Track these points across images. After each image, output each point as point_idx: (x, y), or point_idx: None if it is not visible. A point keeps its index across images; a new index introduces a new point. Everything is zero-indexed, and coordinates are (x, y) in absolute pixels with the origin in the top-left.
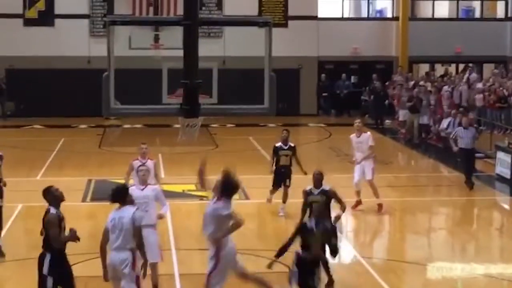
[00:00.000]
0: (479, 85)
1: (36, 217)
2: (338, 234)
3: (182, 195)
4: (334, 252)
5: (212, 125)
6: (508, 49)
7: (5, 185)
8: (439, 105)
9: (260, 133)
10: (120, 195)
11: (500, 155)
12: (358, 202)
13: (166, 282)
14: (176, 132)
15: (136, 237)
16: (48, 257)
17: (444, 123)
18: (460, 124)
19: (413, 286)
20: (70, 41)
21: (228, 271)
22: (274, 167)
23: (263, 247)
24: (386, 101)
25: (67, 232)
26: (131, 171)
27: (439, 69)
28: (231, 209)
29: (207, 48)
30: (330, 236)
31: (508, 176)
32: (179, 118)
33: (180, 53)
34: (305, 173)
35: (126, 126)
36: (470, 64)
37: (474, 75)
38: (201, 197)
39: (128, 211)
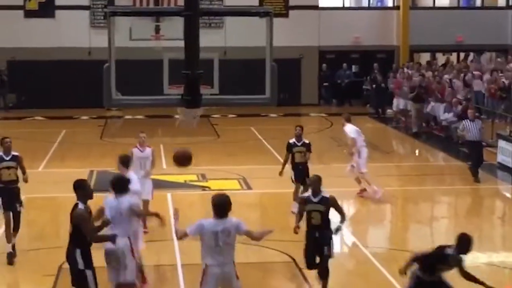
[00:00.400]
0: (477, 72)
1: (38, 208)
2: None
3: (184, 185)
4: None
5: (214, 116)
6: (509, 38)
7: (26, 181)
8: (441, 94)
9: (261, 123)
10: (122, 185)
11: (502, 143)
12: (363, 190)
13: (168, 272)
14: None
15: (140, 215)
16: (78, 252)
17: (441, 109)
18: (465, 117)
19: None
20: (71, 33)
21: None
22: (290, 165)
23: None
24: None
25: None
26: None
27: (440, 58)
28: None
29: (208, 38)
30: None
31: (510, 165)
32: (179, 109)
33: (181, 43)
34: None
35: (127, 117)
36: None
37: (485, 55)
38: (203, 188)
39: (126, 200)
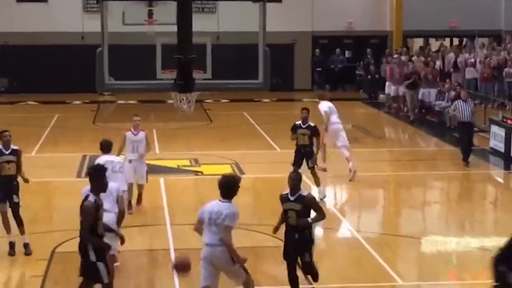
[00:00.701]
0: (471, 59)
1: (31, 193)
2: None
3: (177, 170)
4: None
5: (207, 101)
6: (502, 23)
7: (27, 181)
8: (434, 80)
9: (254, 108)
10: (99, 175)
11: (494, 129)
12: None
13: (161, 257)
14: (170, 107)
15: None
16: (90, 245)
17: (433, 95)
18: (458, 98)
19: (407, 259)
20: (64, 17)
21: (215, 272)
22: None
23: (257, 222)
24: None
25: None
26: (125, 142)
27: (434, 44)
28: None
29: (200, 23)
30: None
31: (502, 150)
32: (172, 94)
33: (174, 28)
34: (325, 161)
35: (120, 102)
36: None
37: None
38: (196, 172)
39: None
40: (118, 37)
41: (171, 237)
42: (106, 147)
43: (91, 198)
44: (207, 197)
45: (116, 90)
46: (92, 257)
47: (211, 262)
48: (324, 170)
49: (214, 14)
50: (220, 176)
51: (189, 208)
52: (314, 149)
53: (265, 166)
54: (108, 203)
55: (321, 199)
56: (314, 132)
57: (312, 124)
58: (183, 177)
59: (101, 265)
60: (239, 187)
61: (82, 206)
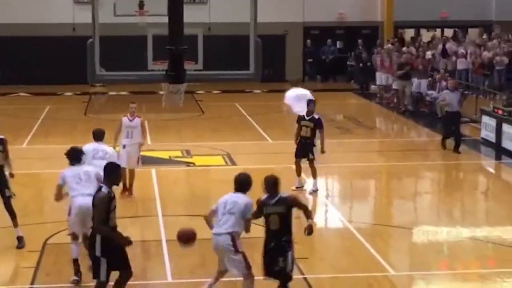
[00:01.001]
0: (461, 50)
1: (22, 184)
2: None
3: (169, 161)
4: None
5: (198, 92)
6: (493, 14)
7: (12, 176)
8: (424, 70)
9: (246, 99)
10: (75, 155)
11: (485, 119)
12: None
13: (153, 248)
14: (161, 99)
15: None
16: (98, 239)
17: (423, 85)
18: (446, 88)
19: (399, 249)
20: (55, 8)
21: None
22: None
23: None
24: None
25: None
26: (121, 127)
27: (425, 34)
28: None
29: (192, 14)
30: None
31: (493, 140)
32: (162, 85)
33: (165, 19)
34: (323, 152)
35: (111, 93)
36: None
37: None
38: (187, 163)
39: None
40: (109, 28)
41: (163, 228)
42: (97, 135)
43: (104, 189)
44: (198, 188)
45: (107, 81)
46: (98, 251)
47: (216, 250)
48: None
49: (206, 5)
50: (236, 174)
51: (181, 199)
52: (316, 141)
53: (257, 157)
54: (88, 188)
55: (313, 191)
56: (317, 124)
57: (316, 117)
58: (175, 168)
59: (103, 262)
60: (251, 184)
61: (94, 198)
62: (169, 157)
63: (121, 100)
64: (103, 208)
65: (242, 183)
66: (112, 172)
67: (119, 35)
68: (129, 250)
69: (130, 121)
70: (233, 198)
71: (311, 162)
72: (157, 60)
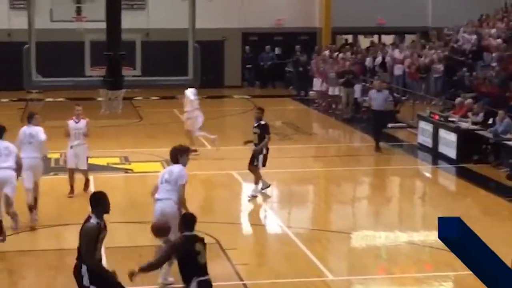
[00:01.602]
0: (398, 55)
1: None
2: None
3: (107, 168)
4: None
5: (136, 98)
6: (430, 20)
7: None
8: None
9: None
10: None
11: (422, 124)
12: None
13: None
14: (99, 105)
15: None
16: (84, 268)
17: (358, 91)
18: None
19: (337, 254)
20: None
21: None
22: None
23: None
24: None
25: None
26: (69, 131)
27: (363, 41)
28: None
29: (130, 20)
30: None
31: (430, 145)
32: (100, 91)
33: (103, 25)
34: (245, 143)
35: (48, 99)
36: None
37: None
38: (126, 170)
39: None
40: (46, 34)
41: None
42: None
43: (93, 220)
44: (137, 195)
45: (44, 87)
46: (86, 281)
47: (160, 215)
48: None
49: (144, 11)
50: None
51: (118, 206)
52: (259, 147)
53: (194, 163)
54: (7, 161)
55: (253, 196)
56: (264, 130)
57: (262, 123)
58: (113, 175)
59: None
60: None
61: (82, 228)
62: (107, 163)
63: (58, 107)
64: (91, 239)
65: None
66: (98, 202)
67: (56, 41)
68: (65, 258)
69: (76, 123)
70: (170, 169)
71: (255, 168)
72: (95, 66)
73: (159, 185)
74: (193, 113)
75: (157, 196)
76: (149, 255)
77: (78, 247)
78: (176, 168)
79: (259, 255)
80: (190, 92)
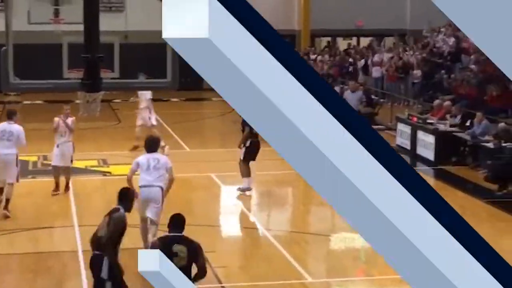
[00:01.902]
0: (376, 58)
1: None
2: None
3: (85, 171)
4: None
5: (115, 101)
6: (408, 23)
7: None
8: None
9: (163, 107)
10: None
11: (401, 126)
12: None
13: (69, 260)
14: (77, 107)
15: None
16: (106, 261)
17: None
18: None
19: (316, 256)
20: None
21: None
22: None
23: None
24: None
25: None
26: (57, 128)
27: (342, 43)
28: None
29: (108, 22)
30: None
31: (408, 147)
32: (78, 93)
33: (81, 27)
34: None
35: (26, 102)
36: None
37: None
38: (104, 173)
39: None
40: (24, 36)
41: (79, 238)
42: None
43: (122, 211)
44: (116, 198)
45: (21, 90)
46: (105, 274)
47: (145, 200)
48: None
49: (122, 13)
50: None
51: (97, 209)
52: (240, 141)
53: (174, 165)
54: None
55: (242, 190)
56: (244, 125)
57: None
58: (91, 178)
59: (108, 285)
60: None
61: (111, 217)
62: (85, 166)
63: (36, 109)
64: (118, 228)
65: (148, 143)
66: (126, 197)
67: (34, 43)
68: (45, 261)
69: (64, 122)
70: (153, 156)
71: (240, 162)
72: (73, 68)
73: (143, 172)
74: (145, 110)
75: (143, 183)
76: (130, 257)
77: (97, 238)
78: (158, 155)
79: (238, 258)
80: (145, 93)
